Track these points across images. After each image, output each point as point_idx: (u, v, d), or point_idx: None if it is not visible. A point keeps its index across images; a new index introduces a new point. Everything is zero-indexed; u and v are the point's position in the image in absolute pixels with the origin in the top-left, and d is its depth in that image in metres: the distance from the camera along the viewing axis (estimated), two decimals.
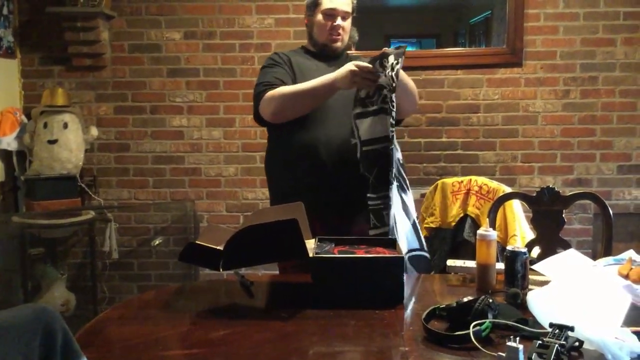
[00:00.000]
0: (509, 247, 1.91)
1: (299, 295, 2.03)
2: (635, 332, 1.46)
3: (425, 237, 2.71)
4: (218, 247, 1.93)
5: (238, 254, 1.96)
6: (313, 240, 2.12)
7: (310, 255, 1.94)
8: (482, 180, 2.74)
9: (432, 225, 2.74)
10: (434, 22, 4.88)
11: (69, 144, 3.48)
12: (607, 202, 2.43)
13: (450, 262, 2.18)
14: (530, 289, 1.83)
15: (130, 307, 2.00)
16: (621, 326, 1.50)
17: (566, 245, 2.38)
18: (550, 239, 2.41)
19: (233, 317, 1.83)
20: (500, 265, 2.01)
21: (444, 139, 3.68)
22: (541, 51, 3.61)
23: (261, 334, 1.67)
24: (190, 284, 2.26)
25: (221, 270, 2.05)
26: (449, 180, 2.81)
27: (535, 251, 2.44)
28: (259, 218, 2.11)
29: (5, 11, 3.62)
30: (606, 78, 3.59)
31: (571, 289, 1.67)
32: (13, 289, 3.53)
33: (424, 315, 1.67)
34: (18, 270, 3.49)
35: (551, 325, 1.48)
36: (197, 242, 2.03)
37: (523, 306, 1.73)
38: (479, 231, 2.00)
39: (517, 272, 1.86)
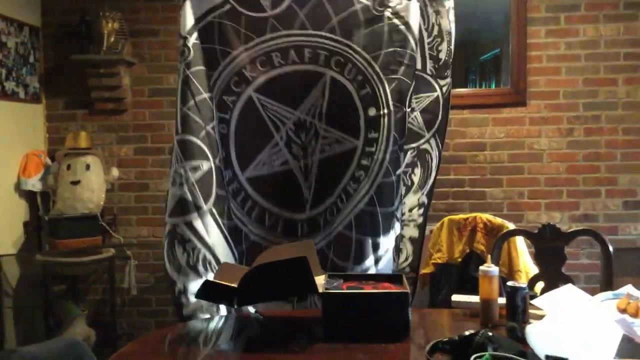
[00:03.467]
0: (509, 283, 2.00)
1: (309, 329, 2.13)
2: None
3: (431, 272, 2.81)
4: (233, 285, 2.04)
5: (252, 290, 2.07)
6: (323, 276, 2.22)
7: (320, 290, 2.04)
8: (486, 217, 2.84)
9: (439, 261, 2.83)
10: None
11: (91, 184, 3.63)
12: (614, 237, 2.51)
13: (455, 298, 2.26)
14: (531, 323, 1.91)
15: (149, 342, 2.10)
16: (614, 358, 1.58)
17: (569, 281, 2.46)
18: (553, 274, 2.49)
19: (247, 350, 1.94)
20: (504, 300, 2.09)
21: (451, 176, 3.78)
22: (545, 91, 3.73)
23: None
24: (205, 319, 2.37)
25: (235, 307, 2.16)
26: (455, 217, 2.91)
27: (539, 286, 2.51)
28: (271, 256, 2.22)
29: (31, 59, 3.82)
30: (609, 116, 3.70)
31: (567, 323, 1.75)
32: (36, 325, 3.64)
33: (427, 348, 1.76)
34: (41, 306, 3.60)
35: (547, 357, 1.56)
36: (213, 280, 2.14)
37: (524, 339, 1.81)
38: (481, 267, 2.09)
39: (518, 306, 1.95)
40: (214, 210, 2.55)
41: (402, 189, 2.70)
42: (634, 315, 1.88)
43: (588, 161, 3.73)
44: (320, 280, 2.13)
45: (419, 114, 2.73)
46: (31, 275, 3.64)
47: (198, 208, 2.52)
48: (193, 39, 2.58)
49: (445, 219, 2.92)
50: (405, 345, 1.91)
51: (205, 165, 2.54)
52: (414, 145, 2.73)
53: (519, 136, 3.76)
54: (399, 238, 2.71)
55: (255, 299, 2.19)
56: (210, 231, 2.54)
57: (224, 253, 2.57)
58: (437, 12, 2.70)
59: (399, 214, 2.67)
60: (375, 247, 2.61)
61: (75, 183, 3.59)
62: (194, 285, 2.41)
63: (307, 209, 2.64)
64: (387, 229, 2.62)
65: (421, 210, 2.74)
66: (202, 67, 2.60)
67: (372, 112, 2.60)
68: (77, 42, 3.79)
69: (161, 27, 3.85)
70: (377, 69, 2.59)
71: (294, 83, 2.60)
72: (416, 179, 2.75)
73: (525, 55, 3.71)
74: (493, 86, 4.14)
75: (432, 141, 2.73)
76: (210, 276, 2.43)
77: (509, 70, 3.77)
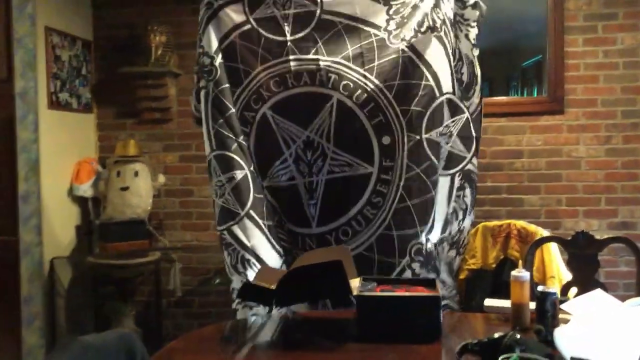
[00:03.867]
0: (539, 288, 2.05)
1: (344, 330, 2.22)
2: None
3: (466, 278, 2.87)
4: (272, 287, 2.15)
5: (289, 292, 2.18)
6: (358, 279, 2.31)
7: (355, 293, 2.14)
8: (520, 224, 2.88)
9: (473, 267, 2.88)
10: (487, 65, 5.01)
11: (139, 190, 3.80)
12: None
13: (487, 302, 2.32)
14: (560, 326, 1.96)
15: (193, 339, 2.22)
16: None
17: (602, 287, 2.48)
18: (586, 280, 2.52)
19: (284, 348, 2.04)
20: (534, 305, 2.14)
21: (488, 184, 3.81)
22: (582, 99, 3.74)
23: None
24: (245, 319, 2.50)
25: (274, 308, 2.28)
26: (489, 224, 2.96)
27: (573, 292, 2.55)
28: (307, 259, 2.33)
29: (84, 71, 4.03)
30: None
31: (593, 326, 1.81)
32: (86, 324, 3.83)
33: (457, 349, 1.83)
34: (91, 306, 3.79)
35: (572, 358, 1.62)
36: (252, 281, 2.26)
37: (553, 343, 1.86)
38: (513, 273, 2.15)
39: (547, 311, 1.99)
40: (252, 213, 2.75)
41: (459, 213, 2.85)
42: None
43: (627, 169, 3.71)
44: (354, 283, 2.23)
45: (457, 137, 2.82)
46: (82, 277, 3.83)
47: (235, 215, 2.74)
48: (219, 59, 2.77)
49: (480, 226, 2.97)
50: (436, 347, 1.98)
51: (239, 174, 2.75)
52: (459, 168, 2.84)
53: (556, 144, 3.77)
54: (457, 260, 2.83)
55: (293, 301, 2.30)
56: (250, 234, 2.73)
57: (266, 251, 2.75)
58: (456, 37, 2.79)
59: (423, 237, 2.75)
60: (392, 267, 2.73)
61: (125, 189, 3.76)
62: (236, 282, 2.71)
63: (313, 225, 2.78)
64: (403, 251, 2.74)
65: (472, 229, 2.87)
66: (227, 85, 2.79)
67: (386, 140, 2.71)
68: (127, 55, 3.99)
69: None
70: (391, 98, 2.69)
71: (304, 104, 2.74)
72: (468, 200, 2.90)
73: (562, 64, 3.73)
74: (535, 92, 4.14)
75: (474, 160, 2.84)
76: (250, 274, 2.64)
77: (547, 78, 3.80)
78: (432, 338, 2.01)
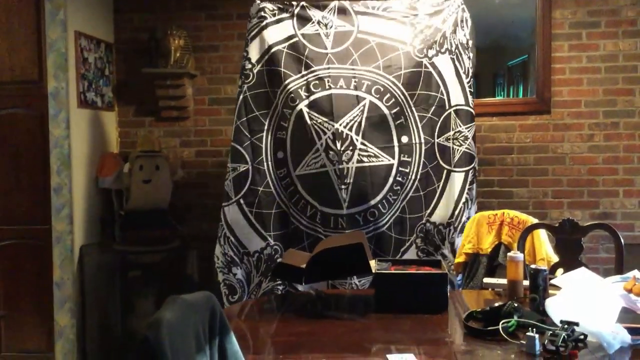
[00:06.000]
0: (532, 266, 2.40)
1: (364, 303, 2.55)
2: (626, 327, 1.93)
3: (464, 261, 3.21)
4: (302, 266, 2.48)
5: (316, 271, 2.50)
6: (373, 261, 2.64)
7: (373, 271, 2.47)
8: (513, 213, 3.21)
9: (470, 252, 3.20)
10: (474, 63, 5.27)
11: (160, 182, 4.07)
12: (630, 234, 2.90)
13: (486, 280, 2.67)
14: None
15: (232, 312, 2.54)
16: (616, 322, 1.98)
17: (586, 267, 2.83)
18: (571, 262, 2.87)
19: (313, 318, 2.37)
20: (527, 283, 2.48)
21: (481, 177, 4.12)
22: (567, 100, 4.09)
23: (337, 328, 2.21)
24: (275, 296, 2.82)
25: (304, 284, 2.60)
26: (485, 213, 3.29)
27: (560, 272, 2.89)
28: (330, 243, 2.66)
29: (107, 72, 4.31)
30: (627, 123, 4.04)
31: (578, 295, 2.15)
32: (111, 306, 4.11)
33: (464, 316, 2.17)
34: (117, 289, 4.07)
35: (561, 321, 1.96)
36: (284, 262, 2.58)
37: (544, 312, 2.20)
38: (509, 254, 2.50)
39: (539, 285, 2.34)
40: (242, 202, 3.30)
41: (469, 204, 3.35)
42: (638, 295, 2.26)
43: (607, 164, 4.07)
44: (372, 263, 2.56)
45: (472, 140, 3.33)
46: (108, 263, 4.10)
47: (229, 199, 3.31)
48: (259, 67, 3.27)
49: (477, 215, 3.30)
50: (444, 316, 2.32)
51: (242, 168, 3.30)
52: (472, 165, 3.36)
53: (543, 141, 4.12)
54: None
55: (320, 278, 2.63)
56: (234, 217, 3.31)
57: (243, 233, 3.30)
58: (469, 58, 3.28)
59: (424, 219, 3.29)
60: (403, 243, 3.26)
61: (147, 181, 4.02)
62: (217, 249, 3.33)
63: (344, 207, 3.19)
64: (412, 230, 3.27)
65: None
66: (260, 90, 3.28)
67: (404, 139, 3.23)
68: (147, 57, 4.25)
69: (221, 43, 4.29)
70: (412, 105, 3.23)
71: (338, 102, 3.20)
72: (474, 192, 3.41)
73: (549, 68, 4.07)
74: (521, 91, 4.45)
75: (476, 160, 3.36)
76: (227, 248, 3.29)
77: (535, 81, 4.14)
78: (441, 309, 2.36)
